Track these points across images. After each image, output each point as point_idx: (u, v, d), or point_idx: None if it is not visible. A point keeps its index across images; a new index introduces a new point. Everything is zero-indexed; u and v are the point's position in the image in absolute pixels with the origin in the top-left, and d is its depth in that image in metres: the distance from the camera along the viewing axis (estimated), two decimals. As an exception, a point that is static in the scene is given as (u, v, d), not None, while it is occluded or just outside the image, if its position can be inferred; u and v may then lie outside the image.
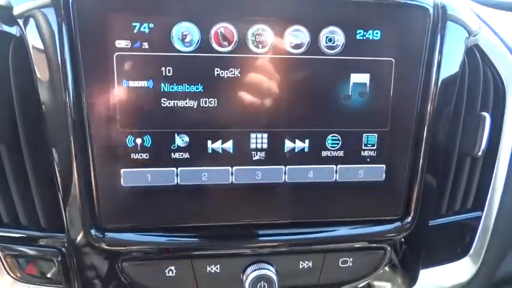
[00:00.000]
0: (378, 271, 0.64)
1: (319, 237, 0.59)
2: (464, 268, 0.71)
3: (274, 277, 0.57)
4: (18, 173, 0.55)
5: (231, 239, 0.58)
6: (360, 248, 0.62)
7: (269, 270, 0.58)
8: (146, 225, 0.56)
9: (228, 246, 0.59)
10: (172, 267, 0.58)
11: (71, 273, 0.58)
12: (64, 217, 0.55)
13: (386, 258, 0.63)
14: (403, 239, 0.62)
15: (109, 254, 0.56)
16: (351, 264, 0.61)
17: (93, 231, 0.54)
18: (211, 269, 0.58)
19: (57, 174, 0.53)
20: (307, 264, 0.60)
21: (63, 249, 0.57)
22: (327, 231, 0.59)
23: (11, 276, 0.59)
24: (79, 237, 0.55)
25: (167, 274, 0.58)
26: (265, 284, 0.57)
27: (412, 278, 0.66)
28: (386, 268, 0.64)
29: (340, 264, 0.61)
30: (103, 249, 0.55)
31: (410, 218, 0.60)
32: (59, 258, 0.57)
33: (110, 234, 0.55)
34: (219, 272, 0.58)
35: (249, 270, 0.58)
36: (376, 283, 0.65)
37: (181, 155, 0.53)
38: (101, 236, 0.54)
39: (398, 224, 0.60)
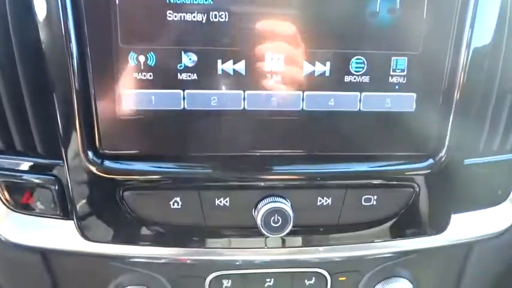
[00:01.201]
0: (403, 212, 0.58)
1: (340, 171, 0.55)
2: (501, 216, 0.64)
3: (290, 211, 0.53)
4: (13, 97, 0.52)
5: (242, 170, 0.54)
6: (386, 185, 0.57)
7: (284, 203, 0.53)
8: (149, 152, 0.53)
9: (239, 178, 0.55)
10: (178, 199, 0.54)
11: (68, 203, 0.55)
12: (61, 142, 0.52)
13: (413, 199, 0.58)
14: (434, 178, 0.57)
15: (108, 182, 0.53)
16: (374, 203, 0.56)
17: (90, 156, 0.51)
18: (220, 202, 0.55)
19: (55, 95, 0.50)
20: (326, 200, 0.56)
21: (61, 177, 0.54)
22: (349, 166, 0.55)
23: (5, 205, 0.57)
24: (77, 164, 0.52)
25: (172, 206, 0.54)
26: (279, 218, 0.53)
27: (442, 224, 0.61)
28: (413, 210, 0.59)
29: (362, 202, 0.56)
30: (101, 177, 0.52)
31: (443, 154, 0.55)
32: (56, 187, 0.55)
33: (109, 162, 0.52)
34: (228, 206, 0.55)
35: (261, 204, 0.54)
36: (399, 228, 0.60)
37: (189, 76, 0.49)
38: (100, 162, 0.51)
39: (429, 160, 0.55)
